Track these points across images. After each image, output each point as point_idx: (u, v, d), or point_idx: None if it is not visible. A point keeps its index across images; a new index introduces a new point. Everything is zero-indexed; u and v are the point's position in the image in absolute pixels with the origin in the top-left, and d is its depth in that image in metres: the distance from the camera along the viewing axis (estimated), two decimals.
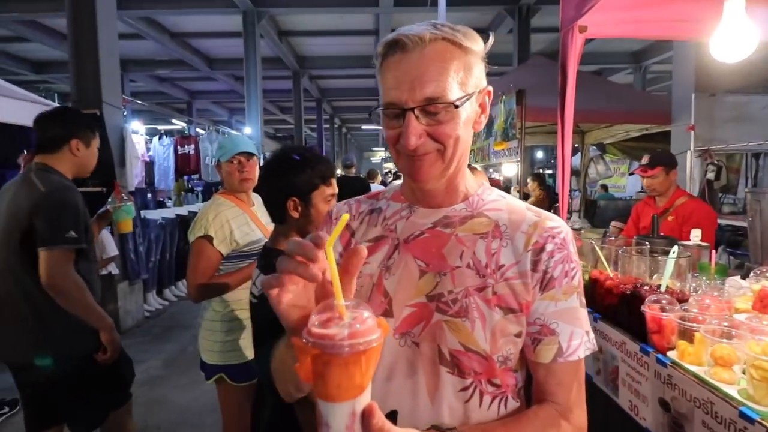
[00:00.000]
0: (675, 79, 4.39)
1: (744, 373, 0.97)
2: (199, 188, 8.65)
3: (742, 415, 0.89)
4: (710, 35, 1.59)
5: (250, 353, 1.75)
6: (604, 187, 9.84)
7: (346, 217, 0.51)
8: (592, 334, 0.71)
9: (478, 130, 0.72)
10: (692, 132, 3.71)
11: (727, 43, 1.49)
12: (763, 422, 0.85)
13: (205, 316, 1.80)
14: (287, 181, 1.30)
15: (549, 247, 0.69)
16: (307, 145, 16.74)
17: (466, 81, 0.67)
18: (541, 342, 0.69)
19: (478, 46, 0.68)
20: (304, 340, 0.45)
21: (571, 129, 1.91)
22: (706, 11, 1.70)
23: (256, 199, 1.92)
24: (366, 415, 0.46)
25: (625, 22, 1.85)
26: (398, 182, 0.86)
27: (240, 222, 1.76)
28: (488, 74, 0.73)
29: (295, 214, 1.31)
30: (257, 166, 1.84)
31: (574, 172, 8.00)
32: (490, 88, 0.72)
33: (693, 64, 3.94)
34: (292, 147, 1.39)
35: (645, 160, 2.42)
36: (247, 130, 9.72)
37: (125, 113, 5.68)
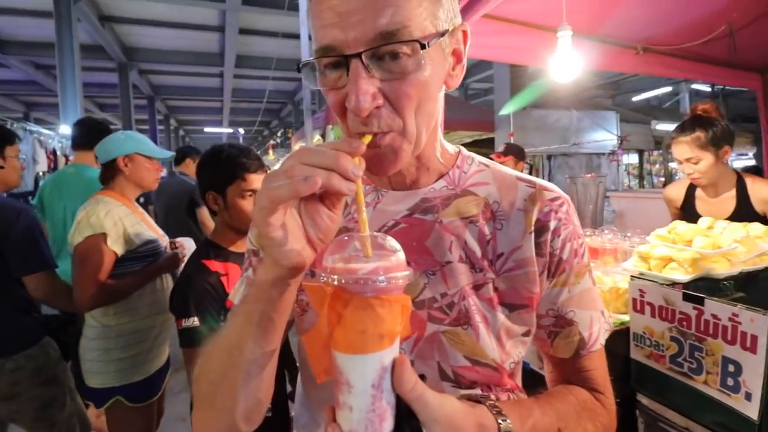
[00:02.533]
0: (496, 96, 5.41)
1: None
2: None
3: None
4: (544, 60, 2.15)
5: (152, 365, 1.59)
6: None
7: (367, 138, 0.44)
8: (606, 312, 0.63)
9: (452, 87, 0.54)
10: (511, 137, 4.62)
11: (560, 67, 2.02)
12: None
13: (88, 334, 1.55)
14: (206, 175, 1.33)
15: (553, 225, 0.57)
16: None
17: (436, 12, 0.48)
18: (558, 335, 0.59)
19: None
20: (321, 278, 0.37)
21: None
22: (541, 42, 2.27)
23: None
24: (397, 368, 0.38)
25: (477, 46, 2.30)
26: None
27: (132, 221, 1.62)
28: None
29: (215, 207, 1.33)
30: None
31: None
32: (467, 26, 0.54)
33: (508, 85, 4.93)
34: (222, 144, 1.35)
35: (501, 148, 2.97)
36: (64, 128, 8.09)
37: None
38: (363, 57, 0.44)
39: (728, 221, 1.33)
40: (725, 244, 1.18)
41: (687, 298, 1.08)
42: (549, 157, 7.22)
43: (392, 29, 0.44)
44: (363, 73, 0.44)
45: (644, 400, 1.20)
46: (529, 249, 0.56)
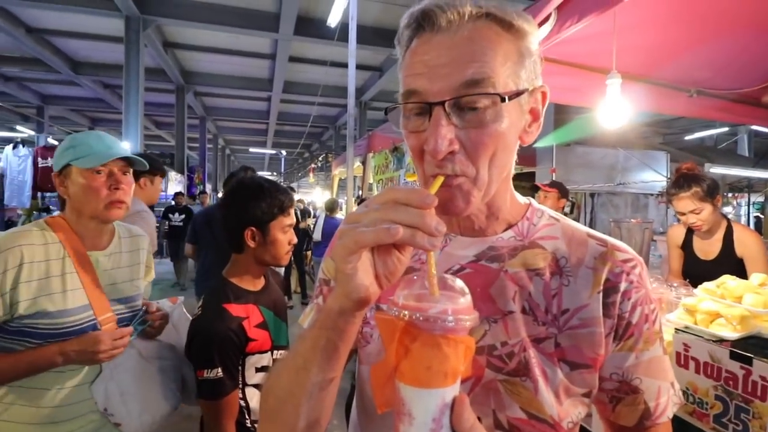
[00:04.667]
0: (542, 131, 5.40)
1: None
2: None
3: None
4: (592, 102, 2.17)
5: None
6: None
7: (439, 180, 0.45)
8: (677, 385, 0.61)
9: (526, 144, 0.57)
10: (553, 174, 4.58)
11: (609, 114, 2.05)
12: None
13: None
14: (245, 210, 1.28)
15: (623, 287, 0.56)
16: (191, 164, 15.33)
17: (518, 72, 0.51)
18: (621, 401, 0.58)
19: (533, 29, 0.53)
20: (393, 312, 0.39)
21: None
22: (590, 84, 2.31)
23: (128, 242, 1.32)
24: (457, 407, 0.39)
25: None
26: None
27: (45, 273, 1.08)
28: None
29: (252, 244, 1.30)
30: (132, 187, 1.28)
31: None
32: (547, 88, 0.56)
33: (552, 120, 4.92)
34: (251, 177, 1.37)
35: (548, 181, 3.00)
36: (125, 144, 8.74)
37: None
38: (446, 105, 0.48)
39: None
40: None
41: (734, 356, 1.05)
42: (592, 195, 7.05)
43: (477, 78, 0.48)
44: (443, 120, 0.48)
45: None
46: (596, 309, 0.55)
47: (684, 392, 1.16)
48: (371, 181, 6.29)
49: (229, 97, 15.66)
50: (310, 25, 9.18)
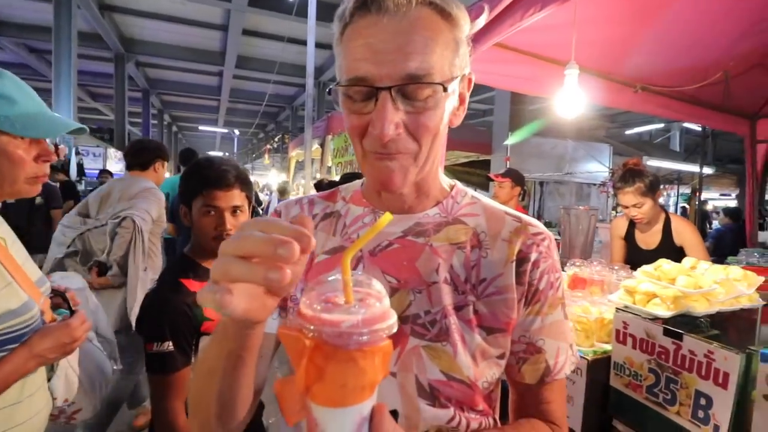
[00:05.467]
0: (495, 120, 5.54)
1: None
2: None
3: None
4: (549, 92, 2.24)
5: None
6: None
7: (387, 216, 0.39)
8: (575, 347, 0.67)
9: (454, 125, 0.61)
10: (507, 162, 4.73)
11: (566, 104, 2.12)
12: (585, 357, 1.29)
13: None
14: (181, 188, 1.24)
15: (534, 257, 0.61)
16: (131, 140, 14.65)
17: (453, 60, 0.54)
18: (526, 361, 0.62)
19: (465, 20, 0.56)
20: (301, 326, 0.35)
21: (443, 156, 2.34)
22: (548, 74, 2.37)
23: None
24: (376, 417, 0.38)
25: (485, 73, 2.39)
26: (357, 181, 0.73)
27: None
28: None
29: (186, 222, 1.25)
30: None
31: None
32: (473, 75, 0.61)
33: (508, 110, 5.06)
34: (207, 155, 1.29)
35: (502, 170, 3.05)
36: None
37: None
38: (392, 91, 0.51)
39: (709, 263, 1.41)
40: (706, 285, 1.25)
41: (667, 333, 1.15)
42: (541, 184, 7.38)
43: (420, 73, 0.51)
44: (390, 104, 0.51)
45: (620, 426, 1.25)
46: (509, 277, 0.60)
47: (621, 366, 1.25)
48: (330, 164, 6.19)
49: (176, 69, 14.70)
50: None
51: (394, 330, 0.36)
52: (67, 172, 6.95)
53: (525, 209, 6.70)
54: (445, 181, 0.68)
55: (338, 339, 0.34)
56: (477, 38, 2.03)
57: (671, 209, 10.00)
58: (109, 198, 2.22)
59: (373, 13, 0.51)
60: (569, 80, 2.08)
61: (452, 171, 8.02)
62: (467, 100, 0.61)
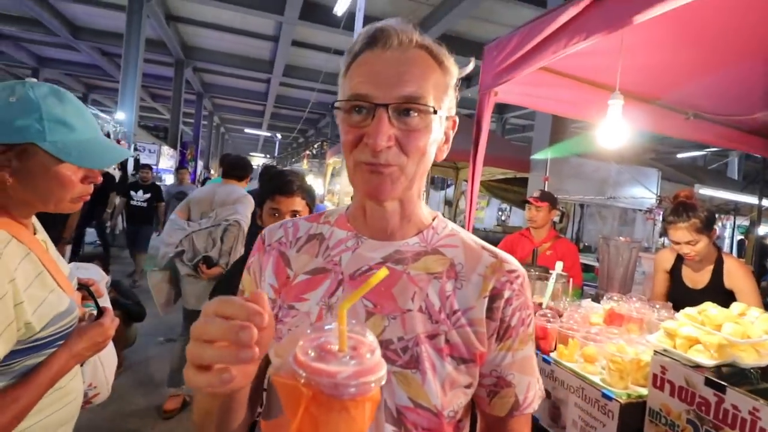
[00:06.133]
0: (535, 138, 5.42)
1: (603, 367, 1.37)
2: None
3: (604, 395, 1.27)
4: (591, 116, 2.19)
5: None
6: None
7: (383, 272, 0.42)
8: (541, 380, 0.70)
9: (440, 159, 0.66)
10: (546, 182, 4.61)
11: (609, 135, 2.06)
12: (618, 399, 1.24)
13: None
14: (258, 193, 1.49)
15: (507, 294, 0.64)
16: (184, 140, 15.07)
17: (443, 99, 0.62)
18: (497, 395, 0.65)
19: (455, 69, 0.64)
20: (297, 376, 0.36)
21: (480, 172, 2.33)
22: (591, 99, 2.32)
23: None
24: None
25: (527, 95, 2.37)
26: (343, 206, 0.77)
27: (31, 277, 0.87)
28: None
29: (259, 222, 1.45)
30: None
31: (448, 203, 9.03)
32: (457, 118, 0.68)
33: (549, 129, 4.94)
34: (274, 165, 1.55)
35: (536, 194, 2.98)
36: (120, 115, 8.60)
37: None
38: (389, 108, 0.56)
39: (761, 311, 1.32)
40: (755, 335, 1.17)
41: (709, 383, 1.08)
42: (582, 206, 7.12)
43: (414, 96, 0.57)
44: (386, 119, 0.56)
45: None
46: (480, 311, 0.63)
47: (657, 413, 1.19)
48: None
49: (228, 75, 15.44)
50: (317, 11, 9.07)
51: (383, 382, 0.37)
52: (125, 167, 7.48)
53: (561, 232, 6.50)
54: (428, 211, 0.71)
55: (334, 389, 0.35)
56: (520, 62, 2.02)
57: (726, 242, 9.35)
58: (212, 201, 2.81)
59: (379, 47, 0.59)
60: (613, 111, 2.01)
61: (487, 187, 7.90)
62: (451, 140, 0.67)
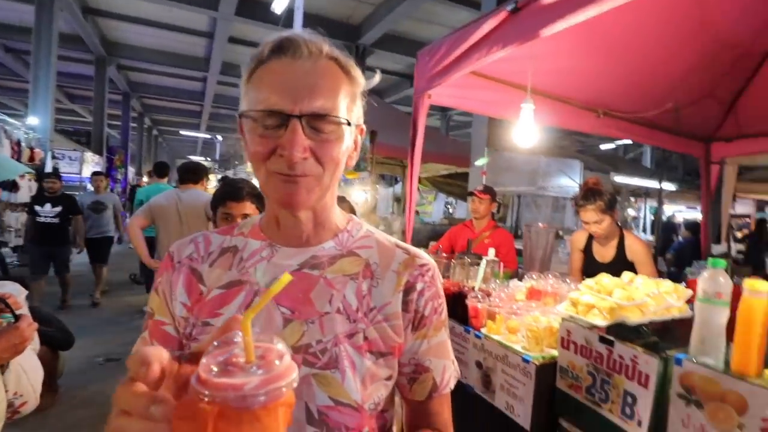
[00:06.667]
0: (473, 135, 5.76)
1: (523, 336, 1.58)
2: None
3: (524, 360, 1.48)
4: (513, 116, 2.45)
5: None
6: (417, 213, 11.57)
7: (287, 277, 0.41)
8: (455, 362, 0.74)
9: (350, 166, 0.68)
10: (484, 176, 4.93)
11: (522, 136, 2.32)
12: (534, 362, 1.45)
13: None
14: (212, 199, 1.73)
15: (419, 286, 0.68)
16: (111, 144, 14.06)
17: (352, 108, 0.63)
18: (416, 381, 0.69)
19: (362, 80, 0.66)
20: (200, 395, 0.33)
21: (418, 171, 2.50)
22: (512, 100, 2.57)
23: None
24: None
25: (457, 97, 2.59)
26: (256, 216, 0.76)
27: None
28: None
29: (214, 225, 1.61)
30: None
31: (397, 199, 9.27)
32: (364, 127, 0.70)
33: (486, 126, 5.28)
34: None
35: (480, 187, 3.27)
36: (32, 119, 7.86)
37: None
38: (302, 120, 0.57)
39: (643, 276, 1.59)
40: (639, 297, 1.42)
41: (602, 340, 1.31)
42: (519, 196, 7.61)
43: (327, 108, 0.58)
44: (300, 131, 0.57)
45: (564, 423, 1.41)
46: (397, 305, 0.66)
47: (565, 370, 1.42)
48: None
49: (158, 73, 14.59)
50: (254, 8, 8.87)
51: (295, 384, 0.36)
52: (40, 176, 6.79)
53: (501, 221, 6.94)
54: (342, 215, 0.73)
55: (242, 402, 0.33)
56: (450, 67, 2.21)
57: (642, 222, 10.43)
58: (177, 206, 3.13)
59: (288, 57, 0.59)
60: (525, 114, 2.27)
61: (433, 182, 8.23)
62: (359, 146, 0.69)
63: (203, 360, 0.35)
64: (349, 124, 0.61)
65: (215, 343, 0.37)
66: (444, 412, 0.72)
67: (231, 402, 0.33)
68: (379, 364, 0.63)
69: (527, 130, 2.30)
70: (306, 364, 0.60)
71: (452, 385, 0.72)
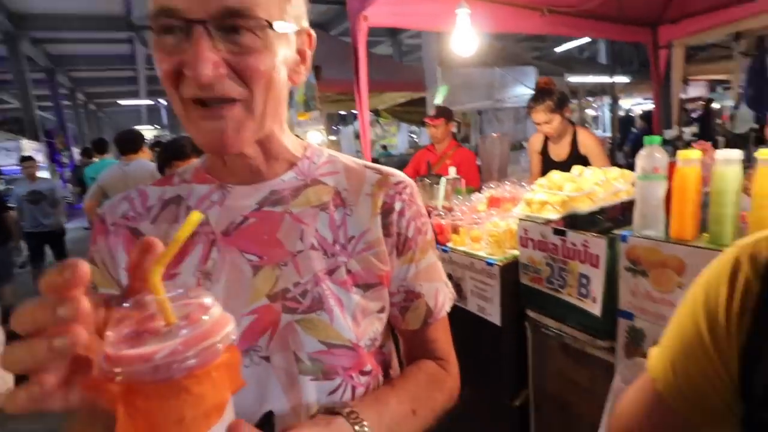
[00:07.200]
0: (424, 56, 5.57)
1: (486, 242, 1.65)
2: None
3: (488, 263, 1.55)
4: (447, 28, 2.35)
5: None
6: (384, 147, 11.42)
7: (197, 216, 0.34)
8: (449, 282, 0.68)
9: (296, 83, 0.56)
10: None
11: (460, 43, 2.23)
12: (498, 263, 1.52)
13: None
14: (157, 161, 1.73)
15: (398, 206, 0.61)
16: (47, 128, 13.11)
17: (285, 7, 0.49)
18: (408, 309, 0.63)
19: None
20: (109, 375, 0.28)
21: (367, 101, 2.42)
22: (448, 10, 2.45)
23: None
24: None
25: (395, 14, 2.44)
26: (196, 160, 0.66)
27: None
28: None
29: None
30: None
31: (358, 136, 9.11)
32: (313, 32, 0.57)
33: (437, 44, 5.08)
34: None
35: (433, 113, 3.19)
36: None
37: None
38: (208, 26, 0.44)
39: (590, 168, 1.65)
40: (587, 187, 1.48)
41: (556, 232, 1.38)
42: (480, 112, 7.57)
43: (239, 7, 0.44)
44: (206, 41, 0.44)
45: (530, 313, 1.53)
46: (376, 230, 0.59)
47: (526, 266, 1.50)
48: None
49: (80, 41, 13.19)
50: None
51: (232, 338, 0.31)
52: None
53: (464, 140, 6.93)
54: (297, 142, 0.64)
55: (156, 373, 0.28)
56: None
57: (602, 120, 10.64)
58: (126, 180, 3.04)
59: None
60: (461, 20, 2.18)
61: (392, 113, 8.05)
62: (309, 57, 0.57)
63: (107, 332, 0.29)
64: (272, 27, 0.46)
65: (125, 305, 0.31)
66: (442, 338, 0.67)
67: (141, 376, 0.28)
68: (368, 297, 0.58)
69: (465, 37, 2.21)
70: (286, 311, 0.54)
71: (447, 308, 0.66)
